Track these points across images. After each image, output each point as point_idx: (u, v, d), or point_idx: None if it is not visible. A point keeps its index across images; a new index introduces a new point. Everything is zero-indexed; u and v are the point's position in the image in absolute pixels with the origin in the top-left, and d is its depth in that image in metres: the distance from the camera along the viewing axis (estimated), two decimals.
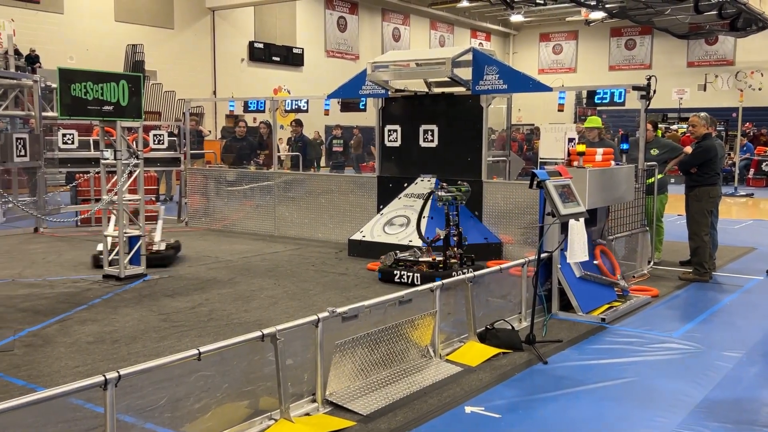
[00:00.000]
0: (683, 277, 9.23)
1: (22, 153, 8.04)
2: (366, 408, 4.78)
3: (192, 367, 4.34)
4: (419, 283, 8.16)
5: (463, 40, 39.78)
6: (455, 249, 8.67)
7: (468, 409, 4.90)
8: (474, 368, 5.73)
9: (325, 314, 4.80)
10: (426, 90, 11.19)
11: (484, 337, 6.27)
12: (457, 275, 6.66)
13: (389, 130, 11.50)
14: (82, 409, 4.62)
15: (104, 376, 3.58)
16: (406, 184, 11.05)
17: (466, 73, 10.48)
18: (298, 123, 17.44)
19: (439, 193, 8.67)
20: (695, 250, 9.23)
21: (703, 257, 9.15)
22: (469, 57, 10.50)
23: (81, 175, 13.16)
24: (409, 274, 8.49)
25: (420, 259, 8.71)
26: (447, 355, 5.92)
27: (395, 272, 8.69)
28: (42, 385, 5.16)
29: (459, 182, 9.28)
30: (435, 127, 11.00)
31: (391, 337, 5.37)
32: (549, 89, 10.25)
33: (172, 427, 4.42)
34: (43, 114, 11.45)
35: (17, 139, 9.34)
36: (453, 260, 8.54)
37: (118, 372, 3.63)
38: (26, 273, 9.29)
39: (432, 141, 11.04)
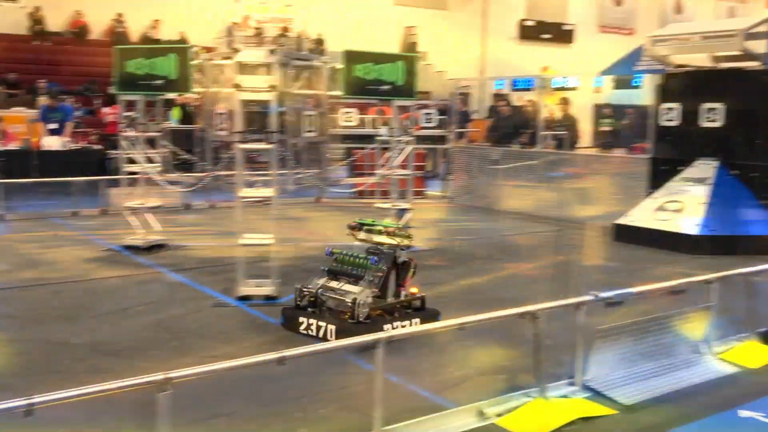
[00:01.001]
0: None
1: (311, 129, 8.89)
2: (628, 398, 4.59)
3: (455, 337, 4.50)
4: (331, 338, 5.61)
5: (756, 10, 35.60)
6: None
7: (743, 413, 4.48)
8: (753, 370, 5.22)
9: (589, 298, 4.68)
10: (712, 65, 10.25)
11: None
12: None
13: (666, 109, 10.73)
14: (353, 365, 5.03)
15: (376, 336, 3.86)
16: (680, 167, 10.27)
17: (760, 46, 9.41)
18: (565, 101, 17.01)
19: (360, 238, 6.11)
20: None
21: None
22: (765, 27, 9.41)
23: (357, 150, 14.16)
24: (321, 324, 5.72)
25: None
26: (721, 353, 5.44)
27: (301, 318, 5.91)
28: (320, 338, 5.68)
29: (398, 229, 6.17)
30: (720, 106, 10.04)
31: (658, 328, 5.07)
32: None
33: (434, 391, 4.63)
34: (328, 93, 12.49)
35: (307, 115, 10.31)
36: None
37: (389, 333, 3.90)
38: (310, 237, 10.28)
39: (715, 121, 10.10)
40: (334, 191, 11.42)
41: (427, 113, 14.25)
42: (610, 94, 14.78)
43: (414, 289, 6.10)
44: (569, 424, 4.24)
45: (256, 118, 7.20)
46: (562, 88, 13.27)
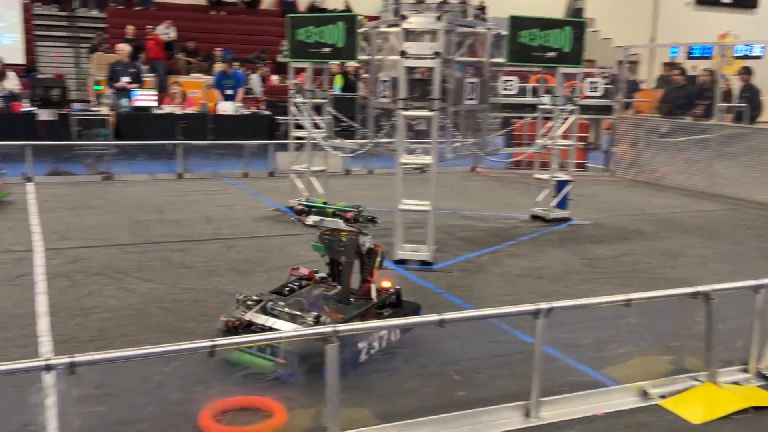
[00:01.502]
0: None
1: (472, 97, 8.82)
2: None
3: (619, 313, 4.36)
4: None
5: None
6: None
7: None
8: None
9: None
10: None
11: None
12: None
13: None
14: (508, 334, 5.02)
15: (538, 305, 3.82)
16: None
17: None
18: (747, 71, 15.70)
19: (310, 224, 5.03)
20: None
21: None
22: None
23: (516, 119, 13.87)
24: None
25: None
26: None
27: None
28: (473, 306, 5.72)
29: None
30: None
31: None
32: None
33: (594, 367, 4.52)
34: (491, 60, 12.30)
35: (468, 83, 10.23)
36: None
37: (550, 304, 3.84)
38: (464, 206, 10.28)
39: None
40: (491, 160, 11.29)
41: (592, 81, 13.68)
42: None
43: (386, 283, 5.00)
44: (739, 413, 4.00)
45: (418, 85, 7.26)
46: (745, 57, 12.24)
